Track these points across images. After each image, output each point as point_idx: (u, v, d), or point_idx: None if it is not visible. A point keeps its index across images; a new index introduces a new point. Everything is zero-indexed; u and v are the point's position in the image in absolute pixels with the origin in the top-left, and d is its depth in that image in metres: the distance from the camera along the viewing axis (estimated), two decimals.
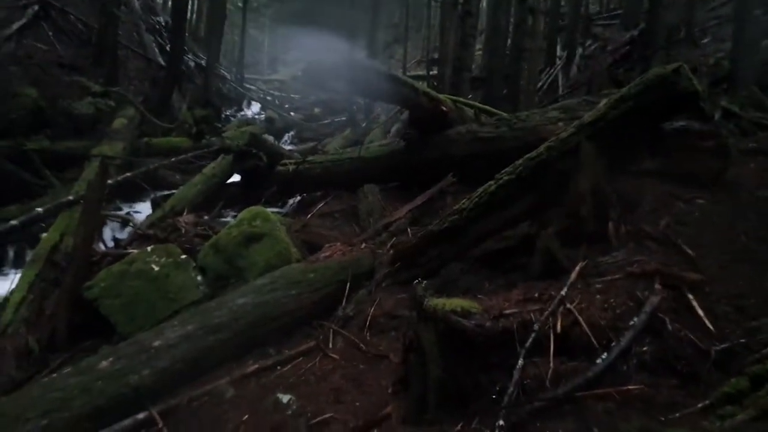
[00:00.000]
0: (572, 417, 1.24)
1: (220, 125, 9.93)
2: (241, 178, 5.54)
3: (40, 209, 3.83)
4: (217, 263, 2.91)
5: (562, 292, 1.54)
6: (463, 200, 2.43)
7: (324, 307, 2.64)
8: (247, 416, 1.73)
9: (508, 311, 1.41)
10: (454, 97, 4.57)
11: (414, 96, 3.75)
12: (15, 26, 7.16)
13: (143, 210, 4.96)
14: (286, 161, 4.98)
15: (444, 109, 4.03)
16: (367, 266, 2.97)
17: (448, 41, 9.12)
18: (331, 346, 2.33)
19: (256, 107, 13.31)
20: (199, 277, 2.83)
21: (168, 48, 10.80)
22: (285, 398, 1.79)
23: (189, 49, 12.62)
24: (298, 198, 5.20)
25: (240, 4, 16.04)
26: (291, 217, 4.46)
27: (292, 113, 13.07)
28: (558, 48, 10.17)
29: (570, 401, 1.27)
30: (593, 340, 1.37)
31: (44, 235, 3.45)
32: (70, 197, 3.92)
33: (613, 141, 2.15)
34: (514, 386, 1.28)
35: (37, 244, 3.40)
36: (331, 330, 2.45)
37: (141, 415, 1.73)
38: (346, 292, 2.72)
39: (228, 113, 11.89)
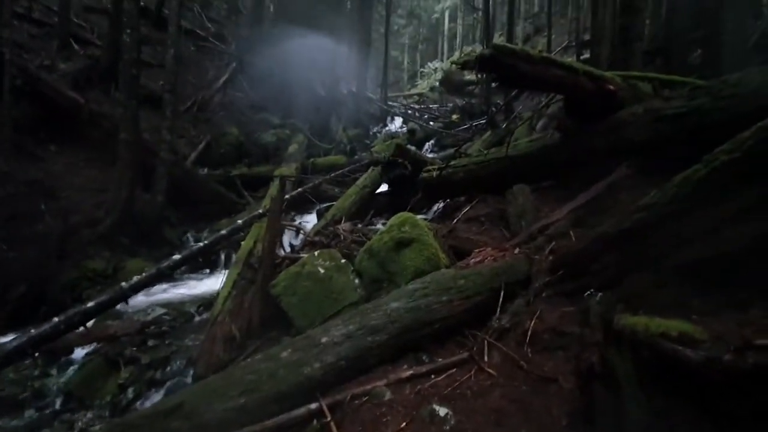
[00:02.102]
0: None
1: (368, 141, 10.93)
2: (389, 187, 5.86)
3: (240, 221, 4.81)
4: (371, 267, 3.07)
5: None
6: (652, 193, 1.94)
7: (475, 316, 2.49)
8: (404, 423, 1.71)
9: (760, 342, 0.98)
10: (624, 72, 3.82)
11: (572, 77, 3.25)
12: (221, 80, 9.38)
13: (311, 220, 5.75)
14: (430, 167, 5.01)
15: (611, 88, 3.40)
16: (522, 273, 2.69)
17: (604, 14, 7.86)
18: (486, 359, 2.16)
19: (398, 121, 14.11)
20: (356, 280, 3.04)
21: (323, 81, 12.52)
22: (442, 411, 1.71)
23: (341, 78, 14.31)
24: (442, 204, 5.17)
25: (382, 31, 17.39)
26: (436, 222, 4.45)
27: (431, 123, 13.36)
28: None
29: None
30: None
31: (243, 242, 4.28)
32: (260, 210, 4.80)
33: None
34: None
35: (238, 249, 4.24)
36: (486, 341, 2.27)
37: (313, 406, 1.90)
38: (500, 300, 2.50)
39: (375, 130, 12.96)
